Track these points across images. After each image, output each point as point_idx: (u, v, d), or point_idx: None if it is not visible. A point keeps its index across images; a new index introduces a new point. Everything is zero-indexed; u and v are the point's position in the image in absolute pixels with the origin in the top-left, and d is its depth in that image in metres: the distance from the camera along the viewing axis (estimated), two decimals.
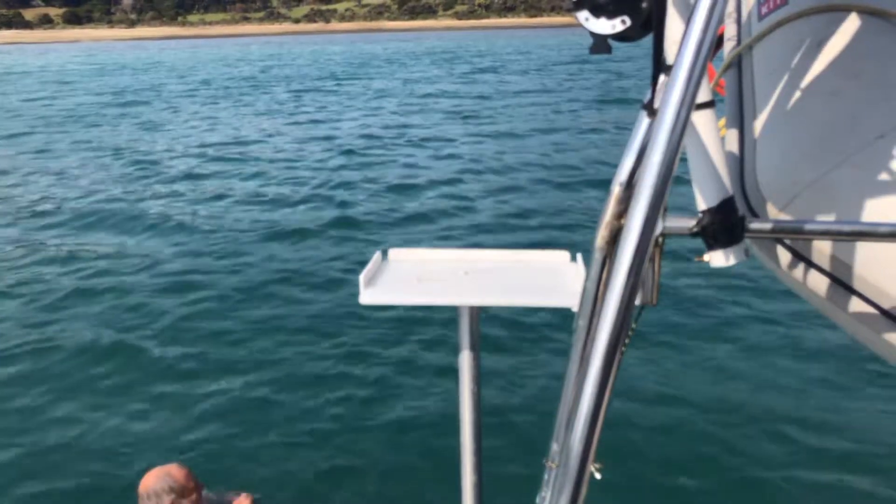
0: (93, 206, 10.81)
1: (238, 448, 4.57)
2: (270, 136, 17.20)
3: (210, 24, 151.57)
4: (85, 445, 4.65)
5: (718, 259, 0.93)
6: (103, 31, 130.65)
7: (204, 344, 6.08)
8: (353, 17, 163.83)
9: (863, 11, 1.21)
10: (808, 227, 0.94)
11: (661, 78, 0.89)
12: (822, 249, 1.05)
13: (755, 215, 1.11)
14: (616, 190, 0.90)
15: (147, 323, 6.56)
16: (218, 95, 26.62)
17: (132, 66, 45.95)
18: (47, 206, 10.89)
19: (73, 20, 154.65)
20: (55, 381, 5.52)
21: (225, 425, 4.82)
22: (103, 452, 4.56)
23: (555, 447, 1.07)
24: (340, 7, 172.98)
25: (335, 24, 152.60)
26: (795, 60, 1.22)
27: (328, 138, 16.48)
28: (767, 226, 0.97)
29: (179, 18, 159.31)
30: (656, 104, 0.87)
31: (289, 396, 5.20)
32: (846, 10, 1.22)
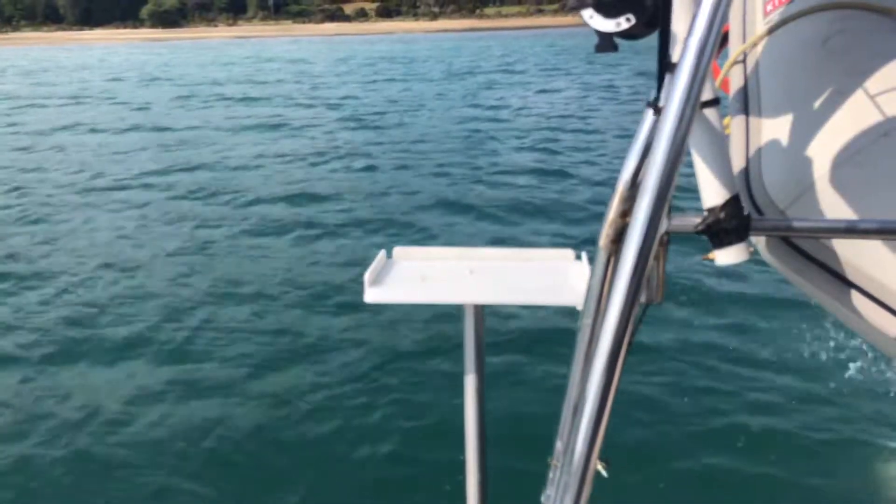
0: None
1: (235, 447, 4.48)
2: None
3: (506, 16, 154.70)
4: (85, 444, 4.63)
5: (724, 258, 0.90)
6: (411, 24, 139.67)
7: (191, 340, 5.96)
8: None
9: (867, 9, 1.19)
10: (814, 225, 0.93)
11: (666, 76, 0.85)
12: (827, 247, 1.02)
13: (761, 213, 1.09)
14: (620, 188, 0.89)
15: None
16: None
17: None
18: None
19: (384, 14, 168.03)
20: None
21: (221, 424, 4.72)
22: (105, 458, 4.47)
23: (559, 446, 1.06)
24: None
25: None
26: (800, 58, 1.18)
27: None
28: (773, 224, 0.96)
29: (477, 11, 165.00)
30: (661, 102, 0.85)
31: (289, 394, 5.10)
32: (851, 7, 1.19)
